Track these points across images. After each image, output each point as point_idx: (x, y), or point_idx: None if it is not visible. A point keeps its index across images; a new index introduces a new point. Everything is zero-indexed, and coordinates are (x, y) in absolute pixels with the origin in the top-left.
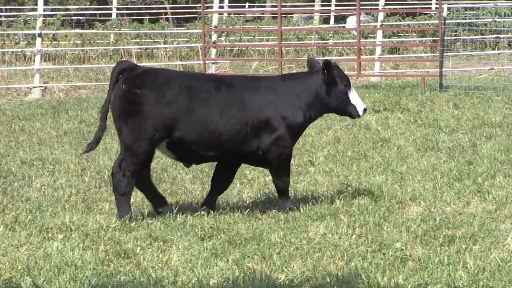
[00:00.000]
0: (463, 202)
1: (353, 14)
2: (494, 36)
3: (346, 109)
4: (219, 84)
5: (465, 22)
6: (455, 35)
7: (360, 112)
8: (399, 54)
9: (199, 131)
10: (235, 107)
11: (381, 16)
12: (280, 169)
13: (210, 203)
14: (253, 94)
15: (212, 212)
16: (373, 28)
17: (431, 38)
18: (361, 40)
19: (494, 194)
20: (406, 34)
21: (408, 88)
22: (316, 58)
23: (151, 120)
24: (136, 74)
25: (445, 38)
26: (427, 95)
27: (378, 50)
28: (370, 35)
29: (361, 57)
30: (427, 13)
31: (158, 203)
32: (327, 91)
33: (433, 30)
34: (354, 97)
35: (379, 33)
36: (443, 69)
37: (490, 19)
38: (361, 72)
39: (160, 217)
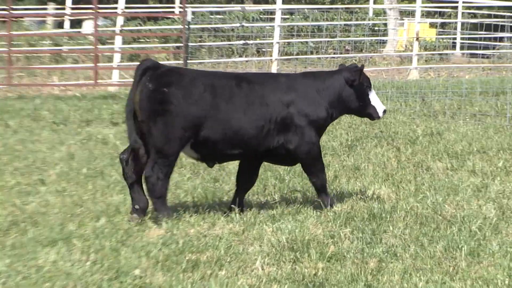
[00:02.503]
0: (208, 223)
1: (90, 18)
2: (242, 42)
3: (366, 111)
4: (241, 82)
5: (211, 27)
6: (200, 41)
7: (380, 114)
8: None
9: (224, 129)
10: (257, 104)
11: (120, 20)
12: (314, 167)
13: (239, 203)
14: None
15: (243, 211)
16: (111, 33)
17: (174, 44)
18: (98, 47)
19: (241, 214)
20: (148, 40)
21: None
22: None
23: (180, 119)
24: (160, 72)
25: (190, 44)
26: None
27: (117, 57)
28: (108, 41)
29: (98, 64)
30: (170, 18)
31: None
32: (350, 92)
33: (177, 36)
34: (374, 98)
35: (118, 39)
36: None
37: (238, 24)
38: (98, 81)
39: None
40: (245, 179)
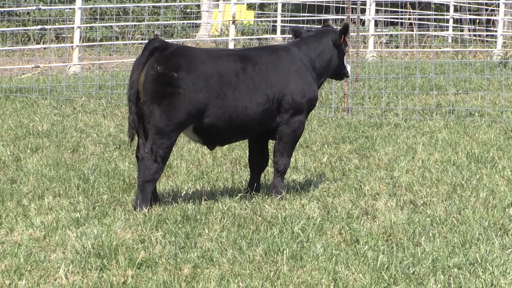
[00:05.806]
0: (6, 229)
1: None
2: (39, 27)
3: (342, 71)
4: (246, 62)
5: (5, 11)
6: None
7: (350, 71)
8: None
9: (230, 114)
10: (263, 85)
11: None
12: (289, 146)
13: (255, 186)
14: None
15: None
16: None
17: None
18: None
19: (42, 218)
20: None
21: None
22: (299, 26)
23: (186, 103)
24: (169, 53)
25: None
26: None
27: None
28: None
29: None
30: None
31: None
32: (337, 54)
33: None
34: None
35: None
36: None
37: (34, 7)
38: None
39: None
40: (256, 160)
